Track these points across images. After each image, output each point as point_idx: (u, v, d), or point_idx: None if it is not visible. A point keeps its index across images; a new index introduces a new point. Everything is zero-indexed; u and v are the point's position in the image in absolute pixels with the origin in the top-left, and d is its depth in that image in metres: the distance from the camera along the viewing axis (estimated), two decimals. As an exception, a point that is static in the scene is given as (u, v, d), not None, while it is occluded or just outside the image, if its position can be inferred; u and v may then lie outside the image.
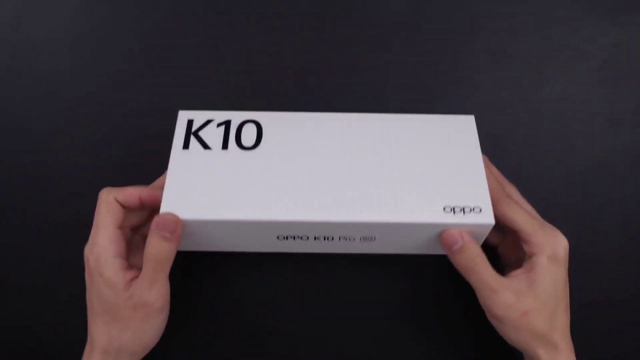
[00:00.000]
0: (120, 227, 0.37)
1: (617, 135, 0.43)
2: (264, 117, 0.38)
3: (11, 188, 0.44)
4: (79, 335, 0.44)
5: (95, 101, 0.44)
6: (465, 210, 0.35)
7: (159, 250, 0.34)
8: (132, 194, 0.37)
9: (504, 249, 0.40)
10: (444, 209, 0.35)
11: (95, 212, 0.37)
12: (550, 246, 0.34)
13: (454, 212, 0.35)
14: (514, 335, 0.35)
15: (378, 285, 0.44)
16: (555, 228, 0.36)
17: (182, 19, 0.44)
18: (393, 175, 0.36)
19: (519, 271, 0.35)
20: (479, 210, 0.35)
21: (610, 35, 0.43)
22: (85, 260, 0.36)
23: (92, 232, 0.37)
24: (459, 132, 0.37)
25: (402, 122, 0.38)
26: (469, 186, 0.36)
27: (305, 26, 0.44)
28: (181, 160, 0.37)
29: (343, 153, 0.37)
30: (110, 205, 0.37)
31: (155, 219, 0.35)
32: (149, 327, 0.35)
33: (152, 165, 0.44)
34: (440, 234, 0.35)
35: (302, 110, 0.44)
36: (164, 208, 0.35)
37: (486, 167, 0.37)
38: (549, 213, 0.43)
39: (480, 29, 0.43)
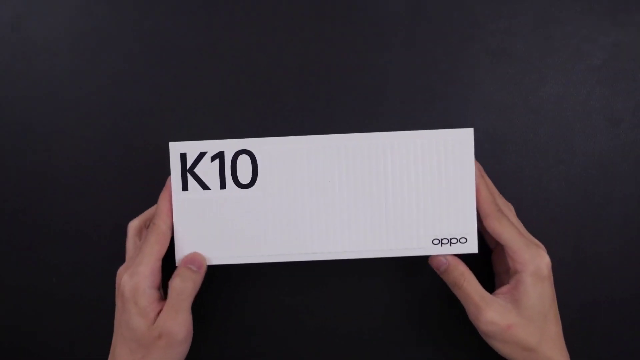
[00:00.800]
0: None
1: (617, 135, 0.43)
2: (256, 145, 0.38)
3: (11, 188, 0.44)
4: (78, 335, 0.44)
5: (95, 101, 0.44)
6: (452, 241, 0.38)
7: (185, 282, 0.37)
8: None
9: (496, 257, 0.41)
10: (433, 241, 0.38)
11: (145, 239, 0.38)
12: (533, 264, 0.36)
13: (442, 243, 0.38)
14: (503, 349, 0.36)
15: (380, 293, 0.44)
16: (540, 246, 0.37)
17: (182, 19, 0.44)
18: (387, 204, 0.38)
19: (504, 288, 0.37)
20: (464, 240, 0.38)
21: (610, 35, 0.43)
22: (121, 285, 0.37)
23: (136, 259, 0.37)
24: (455, 149, 0.38)
25: (398, 142, 0.38)
26: (458, 215, 0.38)
27: (305, 26, 0.44)
28: (184, 205, 0.38)
29: (338, 183, 0.38)
30: (161, 236, 0.38)
31: (184, 258, 0.38)
32: (172, 356, 0.37)
33: (152, 165, 0.44)
34: (430, 259, 0.39)
35: (302, 111, 0.44)
36: (178, 260, 0.38)
37: (480, 177, 0.38)
38: (549, 213, 0.43)
39: (480, 29, 0.43)
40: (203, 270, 0.38)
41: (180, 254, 0.38)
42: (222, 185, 0.38)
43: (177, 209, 0.38)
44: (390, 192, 0.38)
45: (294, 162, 0.38)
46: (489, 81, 0.43)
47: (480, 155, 0.43)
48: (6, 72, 0.44)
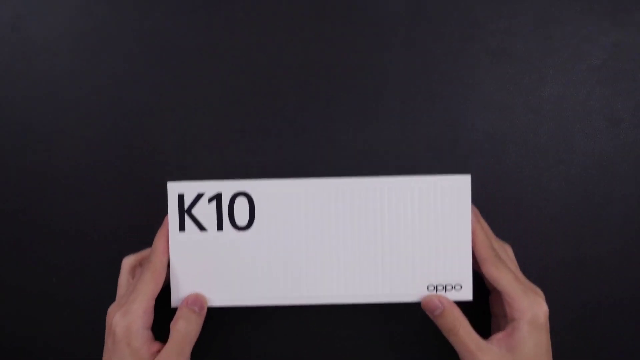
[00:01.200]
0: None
1: (617, 135, 0.43)
2: (254, 188, 0.38)
3: (11, 188, 0.44)
4: (78, 336, 0.44)
5: (95, 101, 0.44)
6: (447, 287, 0.38)
7: (190, 325, 0.37)
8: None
9: (494, 300, 0.41)
10: (428, 287, 0.38)
11: (140, 277, 0.37)
12: (531, 312, 0.35)
13: (436, 290, 0.38)
14: None
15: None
16: (538, 293, 0.37)
17: (182, 19, 0.44)
18: (383, 248, 0.38)
19: (500, 334, 0.36)
20: (459, 287, 0.38)
21: (610, 35, 0.43)
22: (112, 324, 0.36)
23: (130, 296, 0.36)
24: (452, 195, 0.38)
25: (395, 186, 0.38)
26: (454, 261, 0.38)
27: (305, 26, 0.44)
28: (180, 245, 0.38)
29: (334, 226, 0.38)
30: (156, 274, 0.37)
31: (186, 299, 0.38)
32: None
33: (152, 166, 0.44)
34: (422, 299, 0.38)
35: (302, 111, 0.44)
36: (174, 301, 0.38)
37: (476, 221, 0.38)
38: (549, 213, 0.43)
39: (480, 29, 0.43)
40: (204, 312, 0.38)
41: (176, 294, 0.38)
42: (219, 227, 0.38)
43: (173, 249, 0.38)
44: (386, 237, 0.38)
45: (291, 204, 0.38)
46: (489, 81, 0.43)
47: (481, 155, 0.43)
48: (6, 72, 0.44)
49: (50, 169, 0.44)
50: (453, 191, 0.38)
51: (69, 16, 0.44)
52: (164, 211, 0.38)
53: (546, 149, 0.43)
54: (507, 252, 0.40)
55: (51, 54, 0.44)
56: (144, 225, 0.43)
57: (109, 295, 0.40)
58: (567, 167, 0.43)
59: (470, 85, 0.43)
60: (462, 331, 0.36)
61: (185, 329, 0.36)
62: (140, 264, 0.40)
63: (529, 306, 0.35)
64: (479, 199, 0.41)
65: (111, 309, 0.37)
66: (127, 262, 0.40)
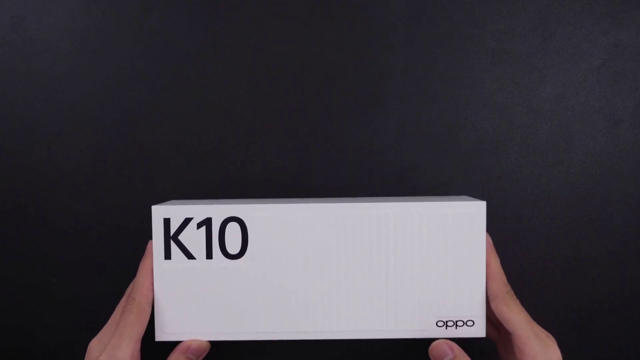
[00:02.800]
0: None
1: (616, 135, 0.43)
2: (247, 212, 0.35)
3: (11, 188, 0.44)
4: (77, 336, 0.44)
5: (95, 101, 0.44)
6: (458, 323, 0.35)
7: None
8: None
9: (502, 344, 0.38)
10: (437, 323, 0.35)
11: (123, 315, 0.34)
12: (543, 357, 0.32)
13: (447, 326, 0.35)
14: None
15: None
16: (550, 338, 0.34)
17: (182, 19, 0.44)
18: (388, 280, 0.35)
19: None
20: (471, 323, 0.35)
21: (610, 35, 0.43)
22: (89, 358, 0.34)
23: (113, 339, 0.33)
24: (465, 223, 0.34)
25: (401, 212, 0.35)
26: (465, 294, 0.35)
27: (305, 26, 0.44)
28: (166, 275, 0.35)
29: (335, 255, 0.35)
30: (142, 314, 0.34)
31: (187, 343, 0.35)
32: None
33: (152, 165, 0.44)
34: (430, 345, 0.35)
35: (302, 111, 0.44)
36: (158, 335, 0.35)
37: (490, 251, 0.35)
38: (549, 213, 0.43)
39: (480, 29, 0.43)
40: (202, 357, 0.36)
41: (160, 328, 0.35)
42: (209, 255, 0.35)
43: (158, 279, 0.35)
44: (392, 267, 0.35)
45: (287, 231, 0.35)
46: (489, 81, 0.43)
47: (481, 155, 0.43)
48: (6, 72, 0.44)
49: (50, 169, 0.44)
50: (466, 218, 0.34)
51: (69, 16, 0.44)
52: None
53: (546, 149, 0.43)
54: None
55: (51, 54, 0.44)
56: (144, 225, 0.43)
57: (109, 294, 0.40)
58: (567, 167, 0.43)
59: (470, 85, 0.43)
60: None
61: None
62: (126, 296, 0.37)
63: (542, 352, 0.32)
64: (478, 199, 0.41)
65: (93, 345, 0.35)
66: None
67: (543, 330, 0.34)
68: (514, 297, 0.34)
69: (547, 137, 0.43)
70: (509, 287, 0.34)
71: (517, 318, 0.33)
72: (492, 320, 0.37)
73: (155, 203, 0.38)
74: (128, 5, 0.44)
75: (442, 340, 0.34)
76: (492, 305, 0.34)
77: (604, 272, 0.43)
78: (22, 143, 0.44)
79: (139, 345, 0.34)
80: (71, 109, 0.44)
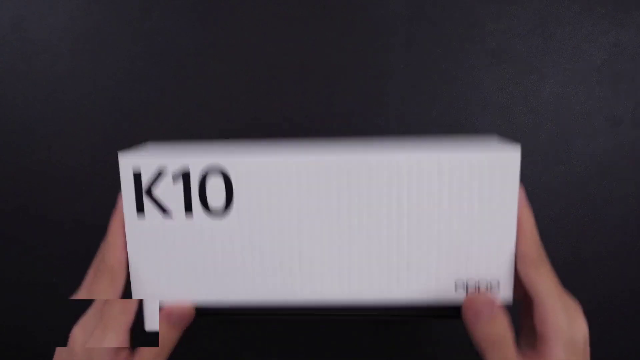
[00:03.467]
0: None
1: (616, 135, 0.43)
2: (232, 165, 0.29)
3: (11, 188, 0.44)
4: (79, 335, 0.44)
5: (95, 101, 0.44)
6: (481, 285, 0.30)
7: (164, 337, 0.31)
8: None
9: (524, 308, 0.33)
10: (456, 284, 0.30)
11: (100, 288, 0.31)
12: (568, 333, 0.29)
13: (467, 288, 0.30)
14: None
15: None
16: (578, 310, 0.30)
17: (182, 19, 0.44)
18: (398, 238, 0.29)
19: (529, 353, 0.29)
20: (497, 286, 0.30)
21: (610, 36, 0.43)
22: (74, 346, 0.31)
23: (98, 331, 0.30)
24: (493, 176, 0.29)
25: (418, 160, 0.29)
26: (491, 254, 0.29)
27: (305, 26, 0.44)
28: (138, 234, 0.30)
29: (336, 211, 0.29)
30: (115, 279, 0.30)
31: (168, 308, 0.31)
32: None
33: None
34: (464, 300, 0.29)
35: (301, 111, 0.44)
36: (135, 296, 0.31)
37: (523, 207, 0.30)
38: (549, 213, 0.43)
39: (480, 29, 0.43)
40: (185, 323, 0.32)
41: (137, 293, 0.31)
42: (188, 211, 0.30)
43: (131, 238, 0.30)
44: (404, 223, 0.29)
45: (279, 184, 0.29)
46: (489, 81, 0.43)
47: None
48: (6, 72, 0.44)
49: (50, 169, 0.44)
50: (496, 170, 0.29)
51: (69, 16, 0.44)
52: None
53: (546, 149, 0.43)
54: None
55: (51, 54, 0.44)
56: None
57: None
58: (567, 167, 0.43)
59: (470, 85, 0.43)
60: (508, 347, 0.28)
61: (161, 340, 0.31)
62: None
63: (567, 325, 0.28)
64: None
65: (76, 333, 0.31)
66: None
67: (572, 301, 0.30)
68: (546, 260, 0.29)
69: (547, 137, 0.43)
70: (542, 249, 0.30)
71: (545, 285, 0.29)
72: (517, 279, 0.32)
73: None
74: (128, 5, 0.44)
75: (479, 294, 0.29)
76: (519, 266, 0.29)
77: (604, 272, 0.43)
78: (22, 143, 0.44)
79: (126, 335, 0.30)
80: (71, 109, 0.44)
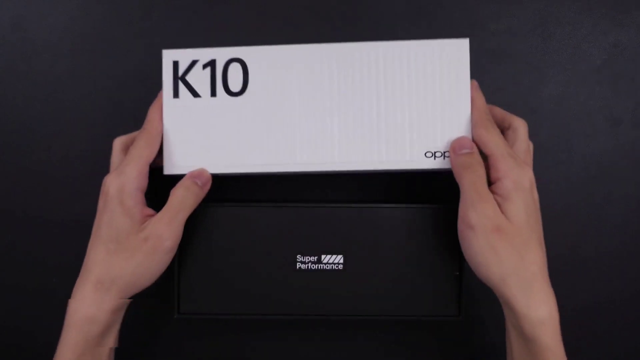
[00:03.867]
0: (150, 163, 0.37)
1: (616, 135, 0.43)
2: (248, 54, 0.38)
3: (11, 188, 0.44)
4: (79, 335, 0.44)
5: (95, 101, 0.44)
6: (446, 154, 0.37)
7: (188, 193, 0.37)
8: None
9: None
10: (425, 154, 0.37)
11: (134, 144, 0.37)
12: (515, 173, 0.34)
13: (435, 157, 0.37)
14: (481, 257, 0.34)
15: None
16: (527, 163, 0.36)
17: (182, 19, 0.44)
18: (379, 114, 0.37)
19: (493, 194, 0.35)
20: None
21: (610, 36, 0.43)
22: (105, 187, 0.36)
23: (123, 162, 0.36)
24: (450, 60, 0.37)
25: (392, 51, 0.37)
26: (452, 127, 0.37)
27: (305, 26, 0.44)
28: (174, 111, 0.38)
29: (329, 92, 0.37)
30: (151, 139, 0.37)
31: (191, 172, 0.37)
32: (153, 264, 0.35)
33: (151, 166, 0.44)
34: (452, 141, 0.37)
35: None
36: (167, 168, 0.38)
37: (475, 88, 0.37)
38: (549, 213, 0.43)
39: (480, 29, 0.43)
40: (207, 188, 0.38)
41: (169, 160, 0.38)
42: (213, 93, 0.38)
43: (167, 115, 0.38)
44: (383, 103, 0.37)
45: (285, 70, 0.38)
46: (489, 81, 0.43)
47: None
48: (6, 72, 0.44)
49: (50, 169, 0.44)
50: (451, 55, 0.37)
51: (69, 16, 0.44)
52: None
53: (546, 149, 0.43)
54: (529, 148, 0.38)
55: (51, 54, 0.44)
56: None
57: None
58: (567, 167, 0.43)
59: (470, 85, 0.43)
60: (479, 173, 0.35)
61: (183, 196, 0.36)
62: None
63: (513, 168, 0.34)
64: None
65: (107, 177, 0.37)
66: (120, 141, 0.39)
67: (522, 159, 0.36)
68: (494, 124, 0.36)
69: (547, 137, 0.43)
70: (489, 116, 0.36)
71: (493, 141, 0.35)
72: None
73: (157, 203, 0.39)
74: (128, 5, 0.44)
75: (465, 136, 0.36)
76: (473, 132, 0.36)
77: (604, 272, 0.43)
78: (22, 143, 0.44)
79: (147, 168, 0.36)
80: (71, 109, 0.44)
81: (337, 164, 0.38)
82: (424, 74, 0.37)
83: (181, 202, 0.36)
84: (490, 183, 0.35)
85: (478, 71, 0.43)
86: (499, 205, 0.34)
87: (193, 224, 0.39)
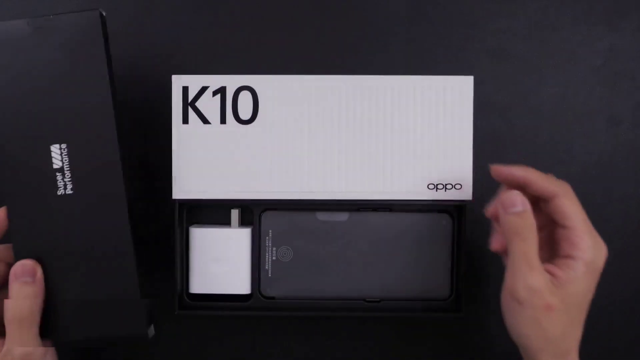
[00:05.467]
0: None
1: (617, 135, 0.43)
2: (258, 82, 0.39)
3: (11, 188, 0.44)
4: (78, 335, 0.44)
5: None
6: (447, 187, 0.39)
7: (21, 304, 0.31)
8: None
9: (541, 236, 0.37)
10: (428, 186, 0.39)
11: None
12: (593, 253, 0.33)
13: (437, 189, 0.39)
14: (525, 329, 0.32)
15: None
16: (601, 240, 0.34)
17: (182, 19, 0.44)
18: (385, 146, 0.39)
19: (551, 266, 0.33)
20: (459, 186, 0.39)
21: (610, 36, 0.43)
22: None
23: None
24: (454, 96, 0.39)
25: (399, 85, 0.39)
26: (454, 161, 0.39)
27: (305, 26, 0.44)
28: (183, 138, 0.39)
29: (337, 123, 0.39)
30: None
31: (13, 269, 0.31)
32: None
33: (153, 166, 0.44)
34: (500, 194, 0.35)
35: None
36: (175, 193, 0.39)
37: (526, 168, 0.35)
38: (549, 213, 0.43)
39: (480, 29, 0.43)
40: (40, 276, 0.32)
41: (177, 187, 0.39)
42: (223, 120, 0.39)
43: (176, 141, 0.39)
44: (389, 135, 0.39)
45: (295, 100, 0.39)
46: (489, 81, 0.43)
47: (481, 155, 0.43)
48: None
49: (50, 169, 0.44)
50: (455, 91, 0.39)
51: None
52: (166, 210, 0.38)
53: (546, 149, 0.43)
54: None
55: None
56: (144, 224, 0.43)
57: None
58: (567, 167, 0.43)
59: (470, 85, 0.43)
60: (531, 239, 0.32)
61: (19, 312, 0.30)
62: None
63: (594, 246, 0.33)
64: (479, 199, 0.41)
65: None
66: None
67: (597, 233, 0.34)
68: (573, 195, 0.35)
69: (548, 137, 0.43)
70: (566, 188, 0.35)
71: (578, 213, 0.34)
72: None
73: (158, 206, 0.39)
74: (128, 5, 0.44)
75: (516, 191, 0.34)
76: (556, 200, 0.34)
77: (604, 272, 0.43)
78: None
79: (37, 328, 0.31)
80: (71, 109, 0.44)
81: (342, 193, 0.39)
82: (429, 107, 0.39)
83: (21, 321, 0.30)
84: (555, 251, 0.34)
85: (478, 71, 0.43)
86: (557, 278, 0.32)
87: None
